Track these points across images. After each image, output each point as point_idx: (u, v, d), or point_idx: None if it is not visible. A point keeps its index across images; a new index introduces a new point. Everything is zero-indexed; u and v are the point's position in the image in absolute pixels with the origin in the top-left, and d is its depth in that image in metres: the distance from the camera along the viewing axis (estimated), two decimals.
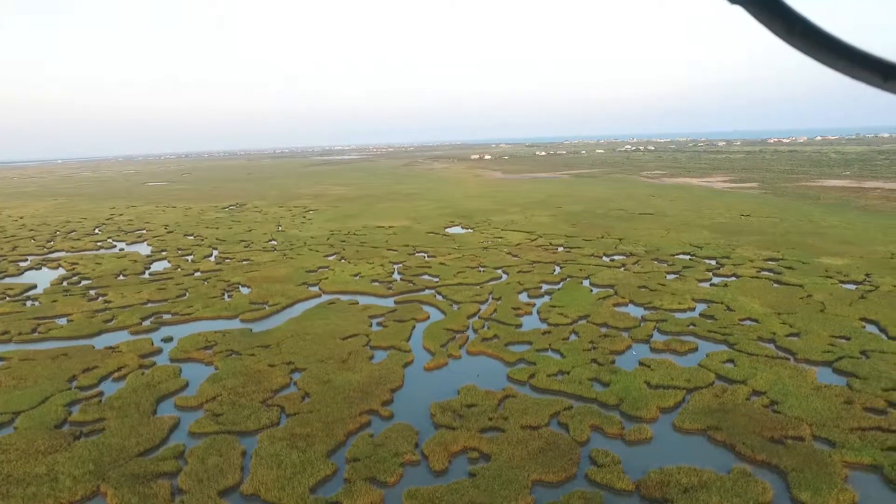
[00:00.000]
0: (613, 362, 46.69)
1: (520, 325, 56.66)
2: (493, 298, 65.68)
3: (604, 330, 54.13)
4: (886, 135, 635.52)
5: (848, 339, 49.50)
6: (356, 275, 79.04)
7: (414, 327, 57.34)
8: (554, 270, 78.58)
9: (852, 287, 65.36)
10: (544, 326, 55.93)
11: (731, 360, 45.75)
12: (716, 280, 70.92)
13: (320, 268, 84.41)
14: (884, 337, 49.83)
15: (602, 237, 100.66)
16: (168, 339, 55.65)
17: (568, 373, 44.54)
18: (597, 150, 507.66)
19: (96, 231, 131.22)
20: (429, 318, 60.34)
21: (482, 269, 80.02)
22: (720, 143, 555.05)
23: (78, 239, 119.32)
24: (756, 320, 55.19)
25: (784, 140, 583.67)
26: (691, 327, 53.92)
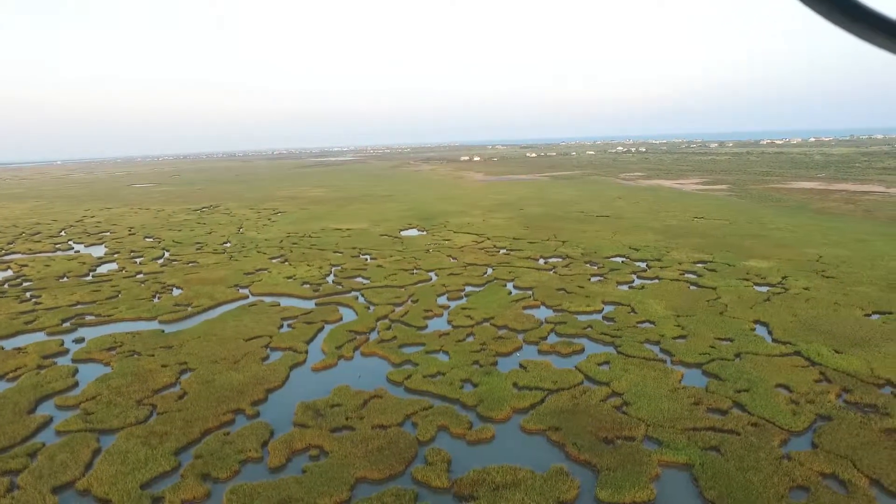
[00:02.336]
0: (495, 364, 47.78)
1: (424, 328, 57.80)
2: (411, 301, 66.84)
3: (502, 332, 55.24)
4: (880, 136, 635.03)
5: (731, 340, 50.54)
6: (290, 277, 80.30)
7: (322, 329, 58.56)
8: (485, 272, 79.73)
9: (764, 289, 66.35)
10: (447, 328, 57.05)
11: (607, 362, 46.81)
12: (637, 282, 71.95)
13: (259, 270, 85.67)
14: (767, 339, 50.87)
15: (548, 239, 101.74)
16: (80, 340, 56.92)
17: (444, 374, 45.66)
18: (587, 152, 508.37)
19: (61, 233, 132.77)
20: (341, 319, 61.57)
21: (416, 272, 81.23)
22: (712, 145, 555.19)
23: (39, 241, 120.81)
24: (653, 322, 56.24)
25: (777, 141, 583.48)
26: (588, 329, 54.99)
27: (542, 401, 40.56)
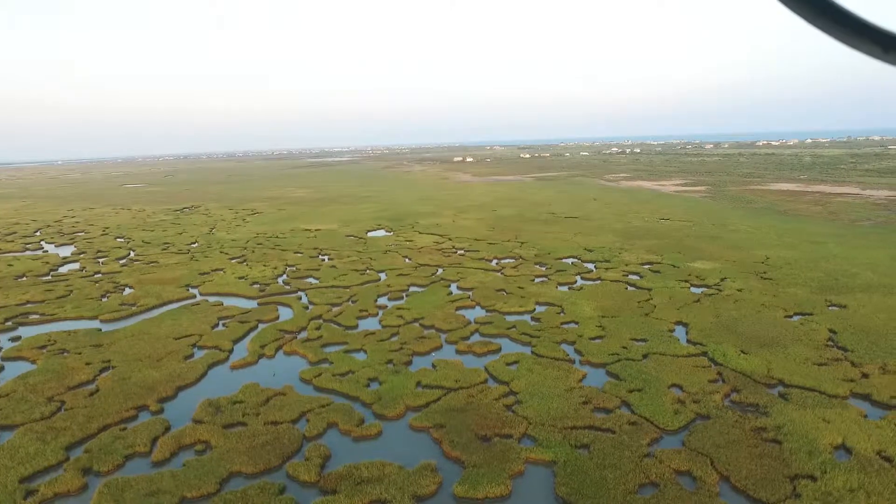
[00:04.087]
0: (409, 363, 48.72)
1: (354, 327, 58.78)
2: (350, 301, 67.87)
3: (427, 332, 56.16)
4: (877, 137, 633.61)
5: (645, 341, 51.35)
6: (243, 277, 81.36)
7: (255, 328, 59.58)
8: (435, 273, 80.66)
9: (699, 291, 67.10)
10: (376, 328, 58.03)
11: (516, 362, 47.68)
12: (579, 283, 72.77)
13: (215, 270, 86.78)
14: (681, 340, 51.65)
15: (508, 241, 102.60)
16: (16, 339, 58.03)
17: (355, 372, 46.63)
18: (581, 153, 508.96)
19: (36, 233, 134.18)
20: (277, 318, 62.61)
21: (367, 272, 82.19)
22: (708, 146, 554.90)
23: (12, 241, 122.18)
24: (577, 323, 57.10)
25: (773, 143, 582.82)
26: (511, 330, 55.85)
27: (438, 399, 41.46)
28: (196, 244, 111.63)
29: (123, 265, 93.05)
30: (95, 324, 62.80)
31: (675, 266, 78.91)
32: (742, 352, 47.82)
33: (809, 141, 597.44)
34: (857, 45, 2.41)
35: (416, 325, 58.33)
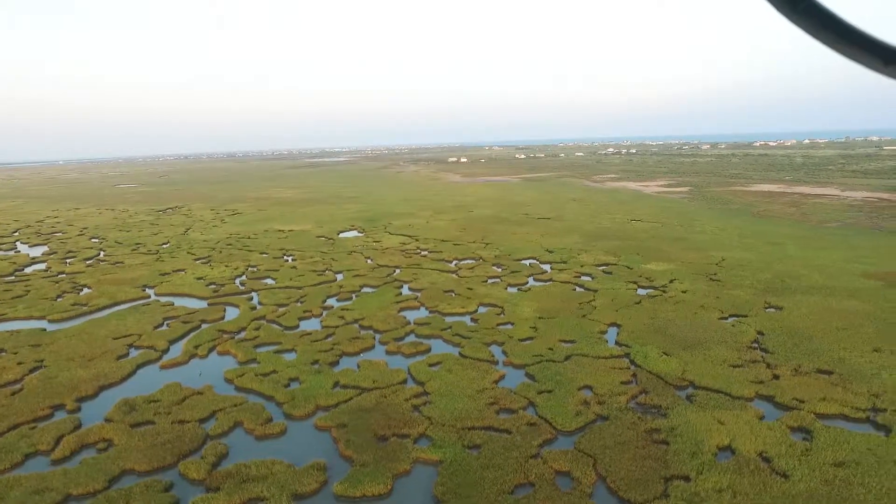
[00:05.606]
0: (336, 363, 49.22)
1: (295, 327, 59.33)
2: (299, 301, 68.40)
3: (364, 333, 56.62)
4: (875, 137, 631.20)
5: (573, 342, 51.68)
6: (201, 278, 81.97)
7: (198, 328, 60.13)
8: (392, 273, 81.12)
9: (644, 292, 67.40)
10: (315, 328, 58.55)
11: (440, 363, 48.09)
12: (529, 284, 73.14)
13: (177, 270, 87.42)
14: (609, 342, 51.93)
15: (474, 242, 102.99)
16: None
17: (277, 372, 47.15)
18: (576, 153, 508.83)
19: (15, 234, 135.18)
20: (221, 318, 63.18)
21: (325, 273, 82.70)
22: (704, 147, 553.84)
23: None
24: (513, 324, 57.50)
25: (771, 143, 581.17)
26: (446, 331, 56.21)
27: (350, 399, 41.93)
28: (167, 245, 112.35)
29: (89, 265, 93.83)
30: (42, 324, 63.47)
31: (629, 268, 79.18)
32: (664, 353, 48.13)
33: (807, 141, 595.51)
34: (858, 58, 2.44)
35: (355, 325, 58.81)
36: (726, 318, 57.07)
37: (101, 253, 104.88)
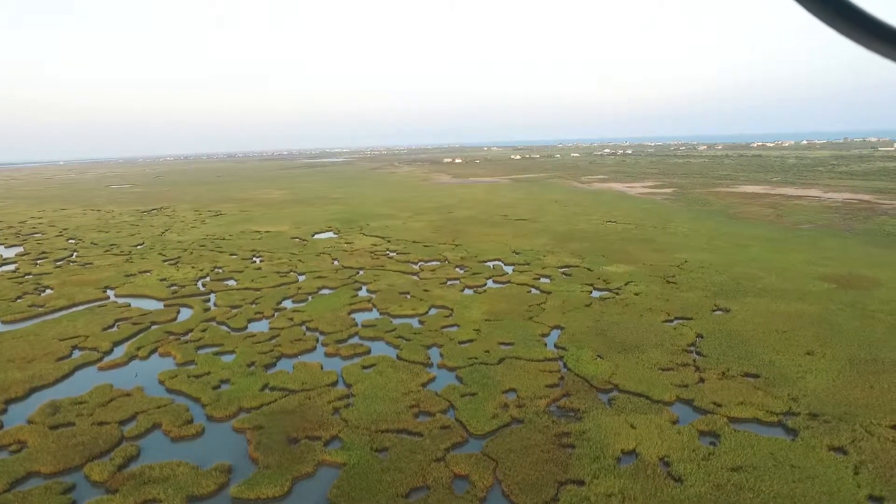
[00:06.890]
0: (273, 365, 49.36)
1: (243, 328, 59.50)
2: (253, 303, 68.55)
3: (308, 334, 56.72)
4: (874, 139, 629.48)
5: (511, 345, 51.70)
6: (164, 279, 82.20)
7: (147, 328, 60.37)
8: (354, 275, 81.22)
9: (597, 294, 67.36)
10: (263, 330, 58.67)
11: (374, 365, 48.16)
12: (488, 286, 73.17)
13: (143, 272, 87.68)
14: (548, 345, 51.88)
15: (444, 243, 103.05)
16: None
17: (210, 374, 47.28)
18: (571, 154, 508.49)
19: None
20: (173, 320, 63.39)
21: (289, 274, 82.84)
22: (701, 147, 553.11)
23: None
24: (458, 326, 57.55)
25: (768, 144, 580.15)
26: (390, 332, 56.32)
27: (275, 401, 42.07)
28: (141, 245, 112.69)
29: (58, 266, 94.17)
30: None
31: (590, 269, 79.13)
32: (598, 356, 48.13)
33: (805, 142, 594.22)
34: (873, 45, 2.38)
35: (302, 327, 58.93)
36: (671, 321, 57.02)
37: (74, 254, 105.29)
